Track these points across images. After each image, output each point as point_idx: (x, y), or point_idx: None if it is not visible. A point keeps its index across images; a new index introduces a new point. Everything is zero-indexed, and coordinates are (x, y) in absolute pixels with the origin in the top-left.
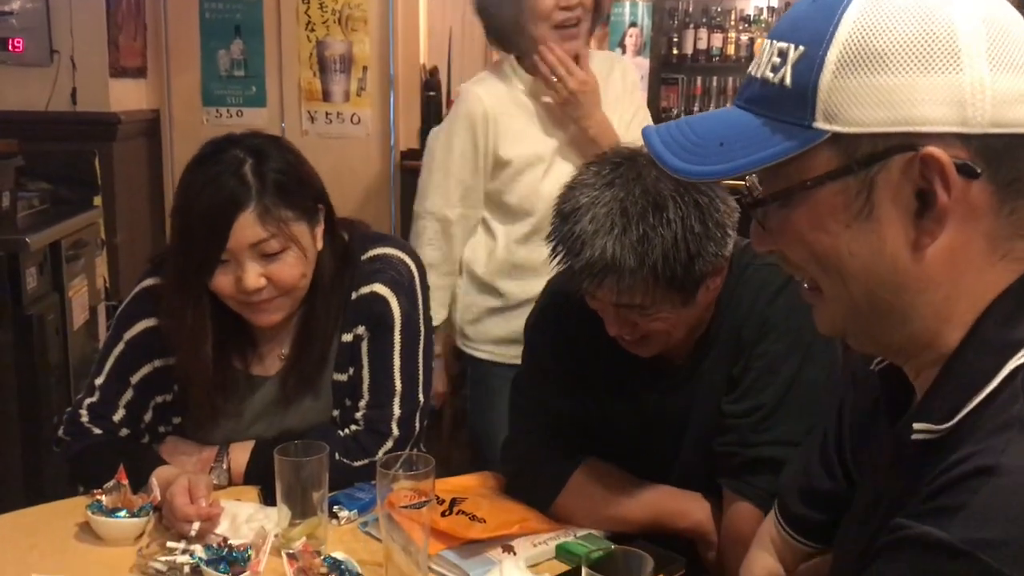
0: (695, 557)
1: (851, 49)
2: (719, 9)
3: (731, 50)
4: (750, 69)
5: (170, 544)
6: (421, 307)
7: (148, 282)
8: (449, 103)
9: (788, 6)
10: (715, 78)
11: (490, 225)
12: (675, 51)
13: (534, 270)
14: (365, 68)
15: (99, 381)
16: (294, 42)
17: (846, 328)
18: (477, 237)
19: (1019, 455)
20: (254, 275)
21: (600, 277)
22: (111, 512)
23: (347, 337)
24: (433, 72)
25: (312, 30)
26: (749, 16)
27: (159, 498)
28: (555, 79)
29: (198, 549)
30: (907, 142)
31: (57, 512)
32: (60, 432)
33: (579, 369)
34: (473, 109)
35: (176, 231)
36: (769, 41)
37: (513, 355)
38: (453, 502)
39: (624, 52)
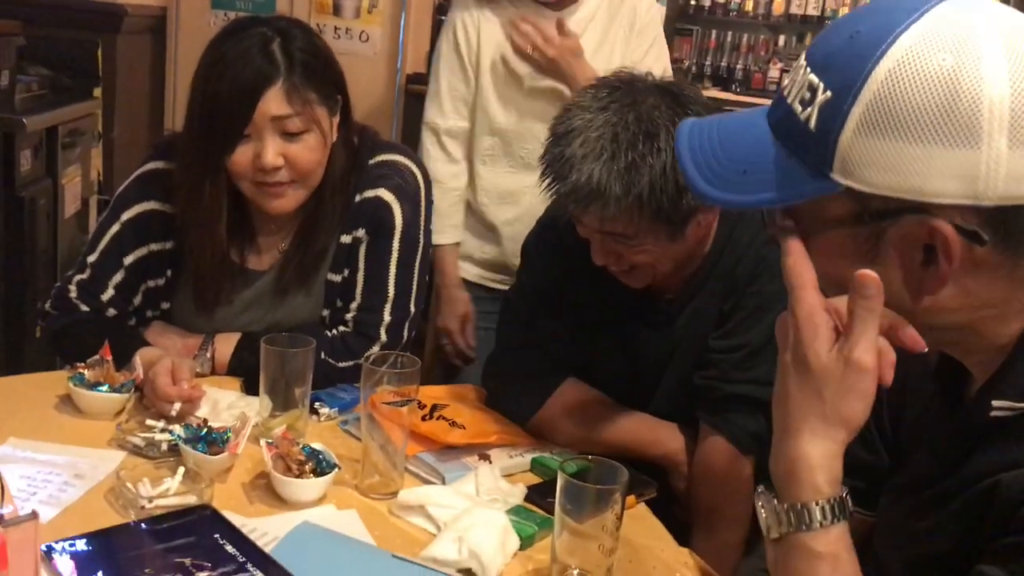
0: (666, 485)
1: (875, 109)
2: None
3: (749, 6)
4: (784, 85)
5: (149, 422)
6: (423, 218)
7: (151, 165)
8: None
9: None
10: (730, 33)
11: (474, 141)
12: (692, 1)
13: (505, 196)
14: None
15: (92, 259)
16: None
17: None
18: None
19: None
20: (273, 152)
21: (585, 203)
22: (93, 386)
23: (346, 239)
24: None
25: None
26: None
27: (141, 377)
28: (531, 50)
29: (177, 428)
30: (918, 207)
31: (39, 383)
32: (46, 305)
33: (572, 292)
34: (459, 18)
35: (199, 104)
36: (804, 65)
37: (484, 276)
38: (434, 408)
39: None
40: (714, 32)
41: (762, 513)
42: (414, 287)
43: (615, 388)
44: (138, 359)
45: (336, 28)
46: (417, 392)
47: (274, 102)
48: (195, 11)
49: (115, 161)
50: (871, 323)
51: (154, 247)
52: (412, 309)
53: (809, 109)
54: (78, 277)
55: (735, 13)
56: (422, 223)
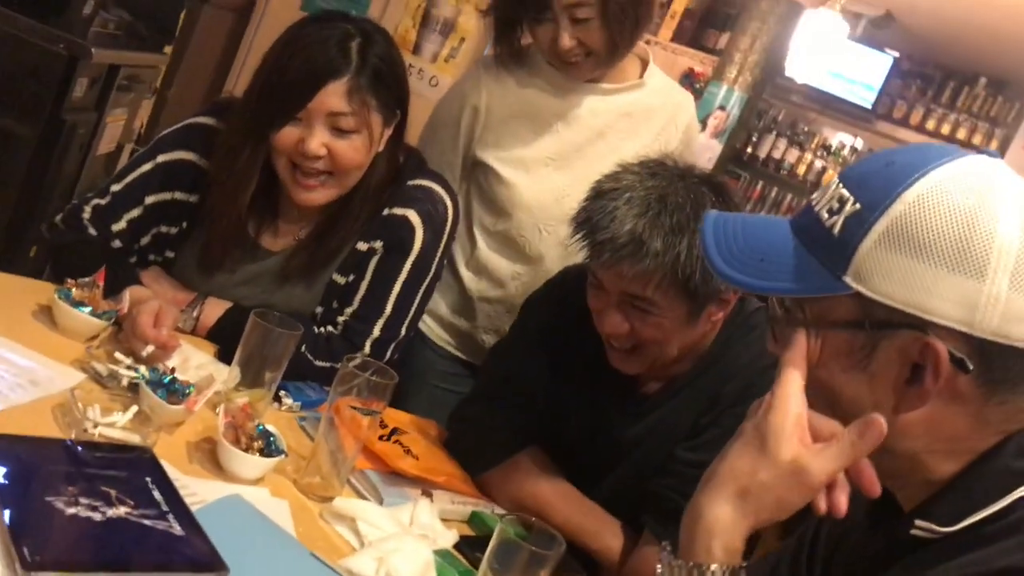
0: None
1: (898, 227)
2: (806, 129)
3: (801, 170)
4: (814, 197)
5: (118, 355)
6: (442, 249)
7: (201, 119)
8: None
9: (870, 151)
10: (775, 189)
11: (471, 206)
12: (749, 149)
13: (493, 275)
14: (463, 39)
15: (115, 188)
16: None
17: None
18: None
19: None
20: (318, 142)
21: (622, 253)
22: (76, 304)
23: (362, 246)
24: None
25: None
26: (831, 146)
27: (125, 311)
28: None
29: (143, 368)
30: (918, 323)
31: (26, 287)
32: (57, 219)
33: (559, 358)
34: (469, 94)
35: (265, 75)
36: (838, 181)
37: (447, 341)
38: (394, 431)
39: (703, 130)
40: (761, 183)
41: (658, 567)
42: (411, 312)
43: (572, 461)
44: (127, 294)
45: (411, 65)
46: (384, 409)
47: (334, 96)
48: (284, 6)
49: (162, 118)
50: (845, 457)
51: (179, 195)
52: (402, 332)
53: (836, 217)
54: (96, 201)
55: (786, 172)
56: (439, 254)
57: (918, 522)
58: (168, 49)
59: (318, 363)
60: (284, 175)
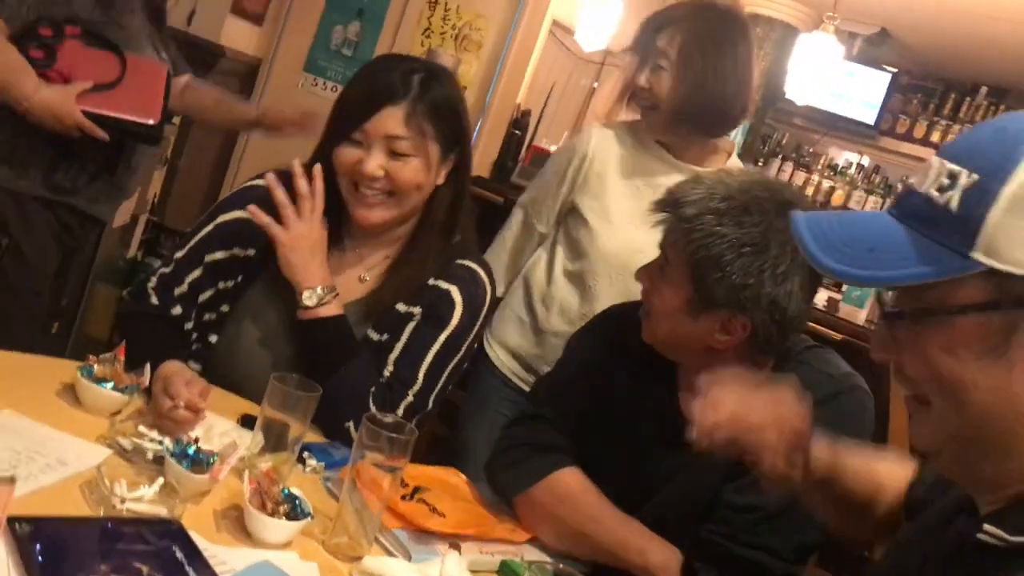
0: None
1: None
2: (811, 150)
3: (809, 191)
4: (911, 181)
5: (142, 428)
6: (473, 334)
7: (257, 181)
8: (530, 148)
9: (878, 169)
10: None
11: (555, 248)
12: None
13: (564, 312)
14: (464, 88)
15: (179, 255)
16: (407, 41)
17: (943, 448)
18: (540, 254)
19: None
20: (375, 163)
21: (669, 209)
22: (98, 380)
23: (402, 307)
24: (525, 114)
25: (428, 36)
26: (837, 165)
27: (147, 383)
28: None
29: (167, 441)
30: None
31: (47, 366)
32: (125, 292)
33: (600, 390)
34: (579, 144)
35: (335, 104)
36: (939, 160)
37: (512, 370)
38: (416, 490)
39: None
40: None
41: None
42: (437, 387)
43: (610, 491)
44: (148, 367)
45: None
46: (405, 465)
47: (392, 119)
48: (287, 70)
49: (174, 187)
50: None
51: (237, 251)
52: (429, 405)
53: (950, 193)
54: (162, 270)
55: None
56: (470, 337)
57: (987, 527)
58: (177, 120)
59: (374, 408)
60: (346, 194)
